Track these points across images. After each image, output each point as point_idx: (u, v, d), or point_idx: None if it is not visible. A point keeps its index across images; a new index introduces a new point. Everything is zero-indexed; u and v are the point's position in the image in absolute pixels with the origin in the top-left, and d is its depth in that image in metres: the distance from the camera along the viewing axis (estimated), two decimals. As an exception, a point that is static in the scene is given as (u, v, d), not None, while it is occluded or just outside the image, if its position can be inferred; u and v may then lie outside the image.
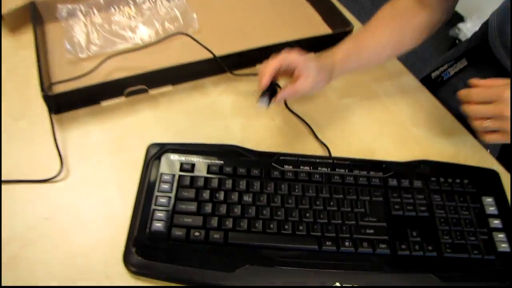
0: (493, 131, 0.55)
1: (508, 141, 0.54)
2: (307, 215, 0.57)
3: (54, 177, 0.60)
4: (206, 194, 0.57)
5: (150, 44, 0.78)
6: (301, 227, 0.55)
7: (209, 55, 0.72)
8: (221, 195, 0.57)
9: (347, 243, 0.55)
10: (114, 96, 0.70)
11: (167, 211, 0.55)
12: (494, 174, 0.65)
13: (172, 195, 0.57)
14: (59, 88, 0.68)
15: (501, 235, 0.58)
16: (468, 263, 0.55)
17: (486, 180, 0.64)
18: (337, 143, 0.69)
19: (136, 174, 0.60)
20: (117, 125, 0.68)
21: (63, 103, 0.67)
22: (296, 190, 0.59)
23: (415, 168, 0.64)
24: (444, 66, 0.85)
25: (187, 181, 0.58)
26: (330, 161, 0.63)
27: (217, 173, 0.59)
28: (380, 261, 0.54)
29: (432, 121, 0.74)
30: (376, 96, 0.77)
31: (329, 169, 0.62)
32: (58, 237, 0.56)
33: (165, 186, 0.57)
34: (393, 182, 0.61)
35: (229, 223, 0.55)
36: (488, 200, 0.61)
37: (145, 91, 0.71)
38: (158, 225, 0.54)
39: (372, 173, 0.62)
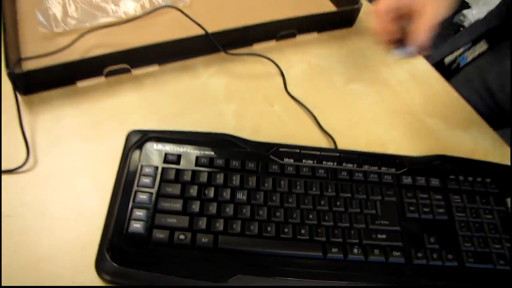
0: None
1: None
2: (310, 216, 0.49)
3: (18, 168, 0.53)
4: (193, 191, 0.49)
5: (134, 18, 0.70)
6: (303, 231, 0.48)
7: (201, 32, 0.65)
8: (210, 192, 0.50)
9: (356, 250, 0.48)
10: (92, 76, 0.63)
11: (147, 209, 0.48)
12: (519, 173, 0.58)
13: (154, 190, 0.49)
14: (29, 65, 0.61)
15: (530, 243, 0.51)
16: (493, 274, 0.49)
17: (510, 179, 0.56)
18: (343, 134, 0.61)
19: (114, 165, 0.53)
20: (94, 108, 0.60)
21: (32, 82, 0.60)
22: (298, 188, 0.51)
23: (432, 164, 0.57)
24: (460, 50, 0.77)
25: (171, 175, 0.50)
26: (337, 154, 0.55)
27: (206, 166, 0.52)
28: (393, 272, 0.47)
29: (448, 111, 0.67)
30: (386, 82, 0.70)
31: (335, 164, 0.54)
32: (20, 237, 0.48)
33: (146, 180, 0.50)
34: (407, 180, 0.54)
35: (219, 225, 0.47)
36: (514, 202, 0.54)
37: (127, 71, 0.64)
38: (136, 226, 0.47)
39: (384, 169, 0.55)
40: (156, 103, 0.62)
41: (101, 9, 0.71)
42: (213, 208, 0.48)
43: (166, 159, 0.52)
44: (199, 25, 0.66)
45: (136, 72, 0.65)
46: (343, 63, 0.71)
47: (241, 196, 0.50)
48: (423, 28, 0.53)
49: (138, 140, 0.53)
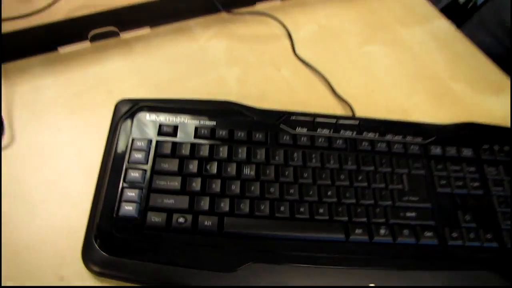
0: None
1: None
2: (329, 193, 0.43)
3: (-8, 145, 0.47)
4: (193, 166, 0.43)
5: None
6: (321, 210, 0.42)
7: (198, -12, 0.59)
8: (213, 168, 0.43)
9: (382, 231, 0.41)
10: (75, 40, 0.58)
11: (140, 189, 0.42)
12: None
13: (148, 167, 0.43)
14: (4, 28, 0.55)
15: None
16: (539, 256, 0.42)
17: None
18: (360, 100, 0.55)
19: (102, 140, 0.47)
20: (79, 77, 0.54)
21: (9, 48, 0.54)
22: (313, 161, 0.45)
23: (461, 133, 0.50)
24: None
25: (167, 149, 0.44)
26: (356, 122, 0.49)
27: (207, 137, 0.45)
28: (425, 255, 0.41)
29: (474, 75, 0.61)
30: (405, 43, 0.63)
31: (354, 133, 0.48)
32: (-5, 225, 0.43)
33: (138, 156, 0.43)
34: (436, 150, 0.48)
35: (224, 205, 0.41)
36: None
37: (115, 34, 0.59)
38: (128, 209, 0.40)
39: (409, 138, 0.48)
40: (148, 70, 0.56)
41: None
42: (216, 186, 0.42)
43: (160, 131, 0.45)
44: (195, -19, 0.59)
45: (125, 35, 0.59)
46: (356, 23, 0.64)
47: (248, 171, 0.43)
48: None
49: (128, 110, 0.47)
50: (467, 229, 0.43)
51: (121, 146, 0.44)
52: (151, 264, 0.38)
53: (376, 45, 0.62)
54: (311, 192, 0.43)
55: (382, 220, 0.42)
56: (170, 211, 0.41)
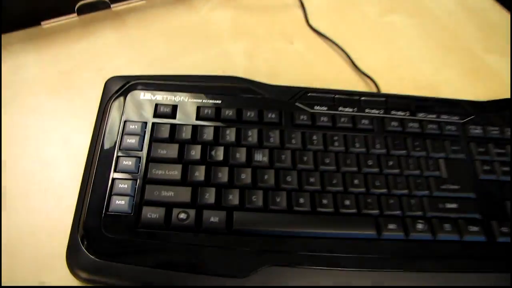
0: None
1: None
2: (355, 182, 0.37)
3: (-35, 131, 0.43)
4: (195, 152, 0.38)
5: None
6: (347, 202, 0.36)
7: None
8: (219, 153, 0.38)
9: (420, 226, 0.36)
10: (61, 13, 0.54)
11: (134, 180, 0.36)
12: None
13: (143, 154, 0.37)
14: None
15: None
16: None
17: None
18: (384, 75, 0.50)
19: (91, 124, 0.42)
20: (65, 54, 0.50)
21: None
22: (336, 144, 0.39)
23: (503, 111, 0.44)
24: None
25: (165, 132, 0.39)
26: (382, 99, 0.43)
27: (212, 119, 0.40)
28: (471, 253, 0.35)
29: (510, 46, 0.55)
30: (430, 13, 0.58)
31: (381, 112, 0.42)
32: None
33: (131, 141, 0.38)
34: (476, 131, 0.42)
35: (233, 198, 0.36)
36: None
37: (105, 5, 0.54)
38: (120, 203, 0.35)
39: (444, 117, 0.42)
40: (143, 44, 0.52)
41: None
42: (223, 175, 0.37)
43: (157, 112, 0.40)
44: None
45: (117, 7, 0.55)
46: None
47: (260, 157, 0.38)
48: None
49: (119, 88, 0.42)
50: (517, 222, 0.37)
51: (111, 130, 0.39)
52: (147, 269, 0.33)
53: (399, 14, 0.57)
54: (334, 181, 0.37)
55: (419, 213, 0.36)
56: (169, 206, 0.35)
